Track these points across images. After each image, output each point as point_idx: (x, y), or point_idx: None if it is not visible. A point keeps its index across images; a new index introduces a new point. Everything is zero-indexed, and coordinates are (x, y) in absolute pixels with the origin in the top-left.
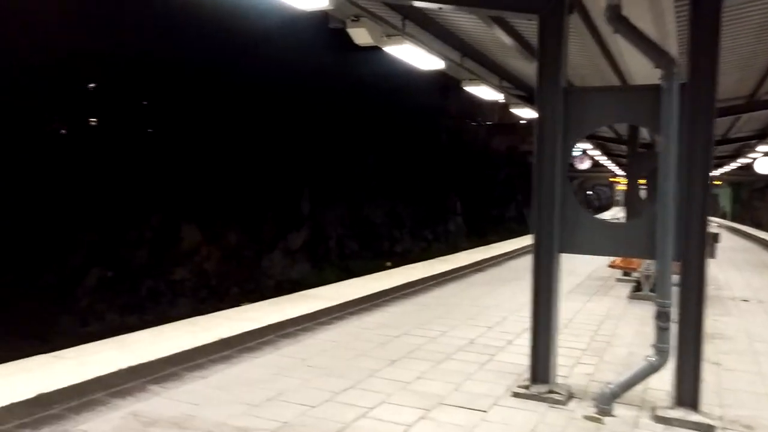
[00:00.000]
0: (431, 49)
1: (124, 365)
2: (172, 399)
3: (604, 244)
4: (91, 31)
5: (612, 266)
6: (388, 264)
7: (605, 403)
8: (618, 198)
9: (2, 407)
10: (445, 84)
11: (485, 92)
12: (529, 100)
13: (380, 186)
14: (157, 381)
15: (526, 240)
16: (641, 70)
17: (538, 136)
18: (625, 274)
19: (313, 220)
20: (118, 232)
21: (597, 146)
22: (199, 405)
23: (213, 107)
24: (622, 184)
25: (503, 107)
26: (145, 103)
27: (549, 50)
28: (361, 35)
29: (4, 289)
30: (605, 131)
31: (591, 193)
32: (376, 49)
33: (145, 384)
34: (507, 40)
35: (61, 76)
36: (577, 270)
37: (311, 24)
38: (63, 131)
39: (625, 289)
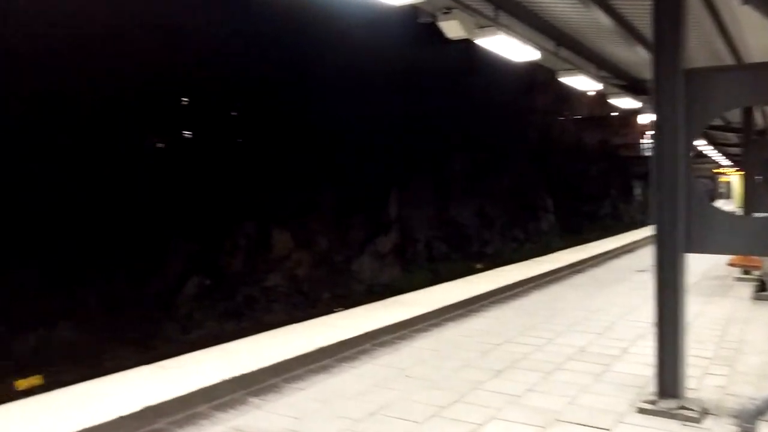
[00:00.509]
0: (526, 38)
1: (225, 376)
2: (272, 412)
3: (739, 243)
4: (179, 45)
5: (731, 264)
6: (479, 266)
7: (748, 420)
8: (722, 190)
9: (110, 422)
10: (531, 78)
11: (582, 82)
12: (630, 89)
13: (468, 185)
14: (258, 393)
15: (625, 238)
16: (765, 46)
17: (657, 125)
18: (745, 272)
19: (401, 222)
20: (214, 240)
21: (702, 135)
22: (300, 419)
23: (299, 111)
24: (726, 176)
25: (593, 100)
26: (234, 114)
27: (667, 28)
28: (453, 28)
29: (114, 297)
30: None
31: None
32: (461, 45)
33: (245, 396)
34: (607, 22)
35: (155, 91)
36: (691, 268)
37: (396, 21)
38: (160, 145)
39: (747, 289)
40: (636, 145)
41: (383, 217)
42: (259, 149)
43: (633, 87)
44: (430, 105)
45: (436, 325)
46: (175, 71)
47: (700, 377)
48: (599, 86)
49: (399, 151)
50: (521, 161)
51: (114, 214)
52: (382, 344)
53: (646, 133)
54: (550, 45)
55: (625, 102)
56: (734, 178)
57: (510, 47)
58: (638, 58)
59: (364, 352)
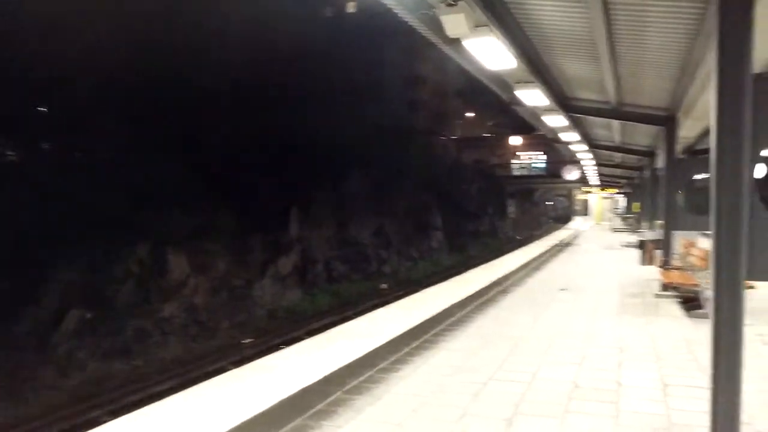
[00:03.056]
0: (508, 44)
1: None
2: None
3: None
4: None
5: (668, 284)
6: (384, 286)
7: None
8: (577, 208)
9: None
10: (413, 97)
11: (535, 97)
12: (562, 107)
13: (367, 204)
14: None
15: (522, 255)
16: None
17: (718, 139)
18: (665, 288)
19: (301, 242)
20: (101, 266)
21: (594, 155)
22: None
23: (191, 126)
24: (584, 194)
25: (468, 121)
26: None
27: (735, 21)
28: (456, 24)
29: None
30: (607, 139)
31: (550, 203)
32: (353, 59)
33: None
34: (599, 29)
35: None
36: (603, 287)
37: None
38: (12, 157)
39: (672, 305)
40: (508, 165)
41: (283, 237)
42: (151, 165)
43: (563, 105)
44: (325, 122)
45: (401, 361)
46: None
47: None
48: (546, 102)
49: (298, 167)
50: (413, 180)
51: None
52: (356, 391)
53: (517, 153)
54: (518, 53)
55: (556, 120)
56: (593, 197)
57: (495, 53)
58: (586, 74)
59: (338, 403)
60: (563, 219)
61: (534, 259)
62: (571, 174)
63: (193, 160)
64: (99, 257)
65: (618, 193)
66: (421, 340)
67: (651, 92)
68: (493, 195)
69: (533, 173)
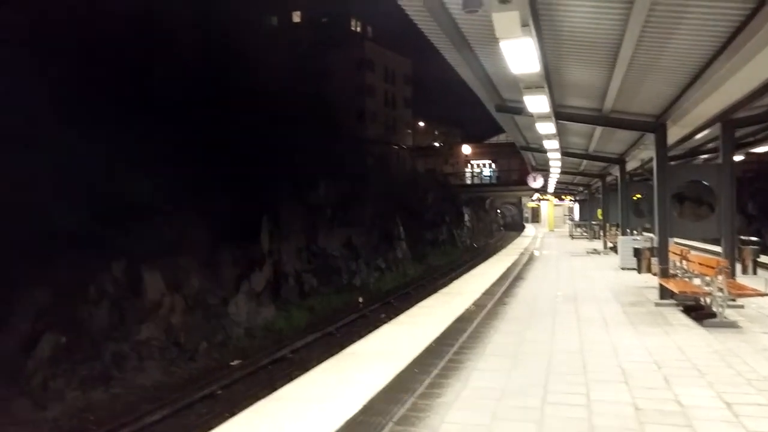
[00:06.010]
0: (538, 47)
1: None
2: None
3: None
4: None
5: (682, 292)
6: (360, 300)
7: None
8: (526, 215)
9: None
10: (361, 106)
11: (539, 103)
12: (554, 114)
13: (333, 215)
14: None
15: (498, 264)
16: None
17: None
18: (663, 296)
19: (272, 255)
20: (72, 287)
21: (562, 163)
22: None
23: (160, 137)
24: (535, 202)
25: (419, 131)
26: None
27: None
28: (508, 22)
29: None
30: (580, 146)
31: (500, 211)
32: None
33: None
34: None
35: None
36: (594, 296)
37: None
38: None
39: (677, 313)
40: (461, 174)
41: (255, 250)
42: (119, 177)
43: (555, 112)
44: (285, 132)
45: (438, 385)
46: None
47: None
48: (547, 108)
49: (264, 178)
50: (373, 190)
51: None
52: (407, 422)
53: (469, 162)
54: (540, 57)
55: (545, 128)
56: (544, 204)
57: (526, 55)
58: (588, 79)
59: None
60: (515, 227)
61: (509, 268)
62: (535, 182)
63: (162, 172)
64: (70, 277)
65: (572, 200)
66: (445, 360)
67: (646, 99)
68: (449, 203)
69: (485, 182)
